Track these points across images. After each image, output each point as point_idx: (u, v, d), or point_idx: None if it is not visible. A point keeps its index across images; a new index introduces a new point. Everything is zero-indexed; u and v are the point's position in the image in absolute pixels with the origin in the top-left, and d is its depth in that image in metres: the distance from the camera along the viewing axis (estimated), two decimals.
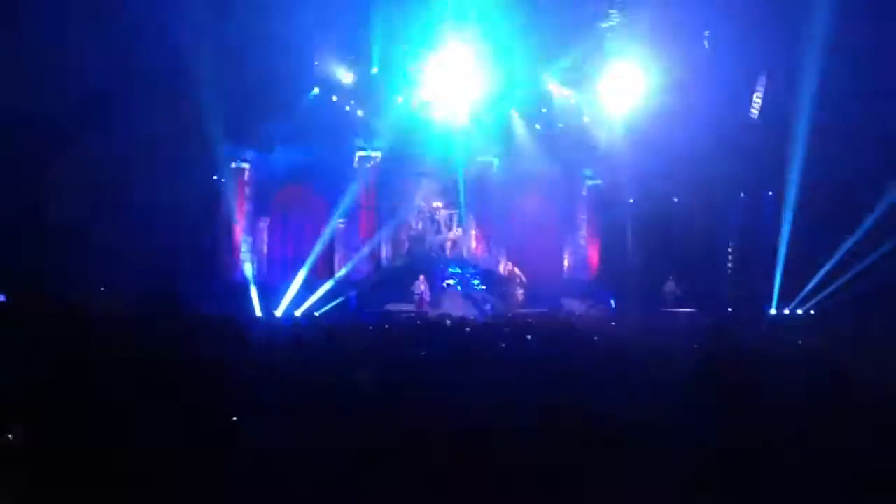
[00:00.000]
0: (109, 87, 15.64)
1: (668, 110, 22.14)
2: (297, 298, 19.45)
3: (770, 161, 21.02)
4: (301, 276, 20.21)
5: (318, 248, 21.95)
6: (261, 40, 18.07)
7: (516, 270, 22.36)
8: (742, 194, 22.81)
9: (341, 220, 23.01)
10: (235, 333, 6.96)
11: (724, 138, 21.57)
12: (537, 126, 24.20)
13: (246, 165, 22.15)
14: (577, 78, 22.46)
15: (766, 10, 18.34)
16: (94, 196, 15.57)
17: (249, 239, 22.15)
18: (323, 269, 21.61)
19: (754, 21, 18.69)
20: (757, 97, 21.39)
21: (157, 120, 17.22)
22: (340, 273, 21.72)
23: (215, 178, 20.07)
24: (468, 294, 21.85)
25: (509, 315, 18.57)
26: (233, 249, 21.49)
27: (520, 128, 24.04)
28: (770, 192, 21.48)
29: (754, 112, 21.69)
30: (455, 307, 20.01)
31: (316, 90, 20.69)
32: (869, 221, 17.98)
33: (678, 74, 21.06)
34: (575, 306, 21.50)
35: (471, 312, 19.53)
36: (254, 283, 20.34)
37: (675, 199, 23.90)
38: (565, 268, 24.76)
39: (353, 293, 20.42)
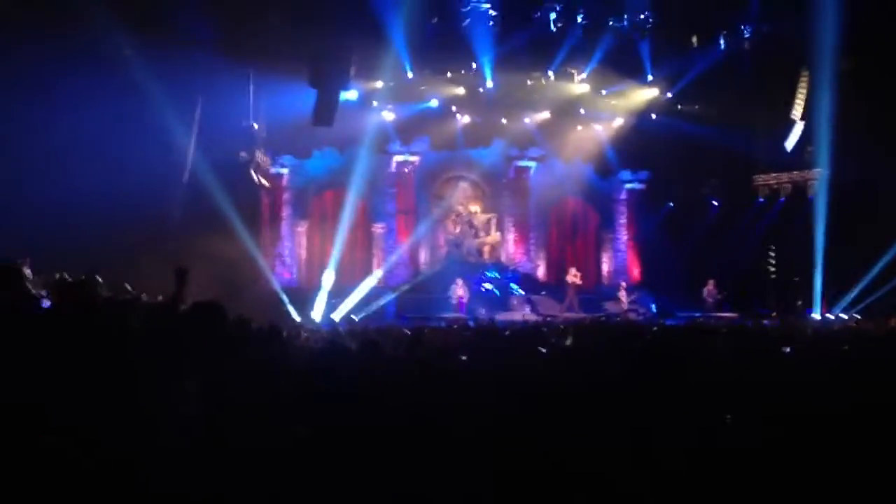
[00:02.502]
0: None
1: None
2: (334, 304, 19.56)
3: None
4: (339, 281, 20.33)
5: (356, 252, 22.12)
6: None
7: (574, 275, 22.17)
8: (782, 198, 22.62)
9: (379, 225, 23.15)
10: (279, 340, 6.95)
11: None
12: (579, 127, 24.17)
13: (284, 171, 22.32)
14: (612, 77, 22.26)
15: None
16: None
17: (288, 245, 22.34)
18: (361, 274, 21.69)
19: None
20: None
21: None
22: (378, 278, 21.76)
23: (256, 183, 20.19)
24: (506, 298, 21.79)
25: (547, 319, 18.45)
26: (272, 255, 21.66)
27: (557, 130, 24.02)
28: (810, 195, 21.28)
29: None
30: (493, 311, 19.97)
31: (354, 94, 20.76)
32: None
33: None
34: (615, 310, 21.38)
35: (511, 316, 19.50)
36: (292, 288, 20.49)
37: (715, 203, 23.81)
38: (605, 272, 24.58)
39: (391, 298, 20.45)
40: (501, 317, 19.41)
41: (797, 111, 21.38)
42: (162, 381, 4.00)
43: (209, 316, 4.89)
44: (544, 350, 8.65)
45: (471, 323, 15.54)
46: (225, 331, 5.07)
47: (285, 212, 22.46)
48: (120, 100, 15.42)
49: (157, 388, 3.91)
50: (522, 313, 20.63)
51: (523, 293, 22.17)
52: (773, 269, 22.65)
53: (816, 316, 19.49)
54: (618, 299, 21.87)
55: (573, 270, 22.36)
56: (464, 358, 7.35)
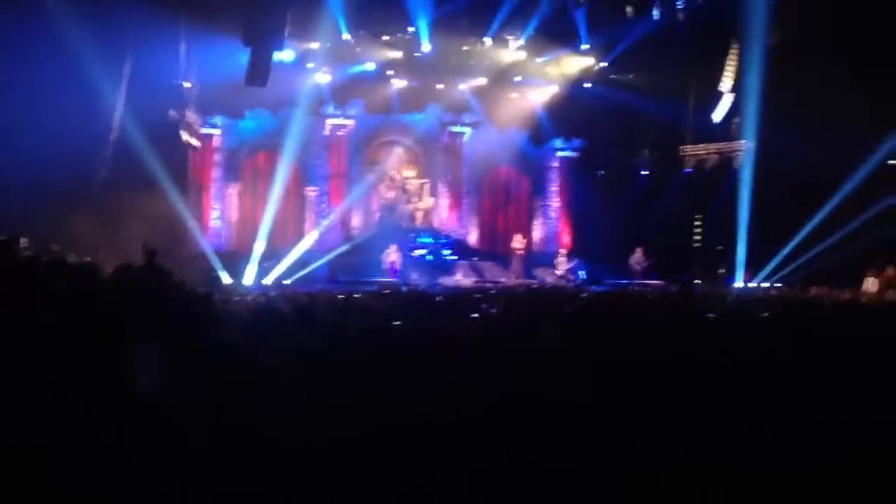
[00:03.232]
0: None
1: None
2: (265, 267, 19.39)
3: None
4: (270, 244, 20.14)
5: (288, 216, 21.92)
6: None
7: (519, 242, 22.40)
8: (708, 168, 23.13)
9: (312, 189, 22.95)
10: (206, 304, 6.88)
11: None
12: (513, 94, 24.29)
13: (216, 131, 21.90)
14: (547, 45, 22.38)
15: None
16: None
17: (218, 206, 22.00)
18: (293, 238, 21.51)
19: None
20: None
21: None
22: (311, 241, 21.61)
23: (186, 142, 19.79)
24: (438, 264, 21.89)
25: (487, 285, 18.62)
26: (202, 217, 21.30)
27: (492, 96, 24.09)
28: (735, 166, 21.80)
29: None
30: (424, 277, 20.06)
31: (289, 54, 20.42)
32: (836, 198, 18.28)
33: None
34: (547, 277, 21.66)
35: (449, 281, 19.66)
36: (222, 251, 20.24)
37: (645, 172, 24.24)
38: (536, 239, 24.85)
39: (323, 262, 20.35)
40: (441, 281, 19.57)
41: (726, 83, 21.80)
42: (92, 348, 3.95)
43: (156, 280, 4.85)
44: (476, 316, 8.77)
45: (403, 288, 15.61)
46: (165, 293, 5.04)
47: (216, 173, 22.03)
48: (45, 54, 14.94)
49: (91, 352, 3.85)
50: (456, 278, 20.79)
51: (456, 259, 22.29)
52: (698, 238, 23.18)
53: (739, 284, 20.08)
54: (554, 266, 22.15)
55: (518, 237, 22.61)
56: (396, 323, 7.41)
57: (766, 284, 19.34)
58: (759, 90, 19.48)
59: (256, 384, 4.04)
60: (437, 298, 12.26)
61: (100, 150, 17.14)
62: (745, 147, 21.35)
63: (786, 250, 19.01)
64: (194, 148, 20.86)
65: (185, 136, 19.71)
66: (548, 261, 22.78)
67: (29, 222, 10.64)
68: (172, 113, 19.32)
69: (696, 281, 19.91)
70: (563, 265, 22.01)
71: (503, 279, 20.86)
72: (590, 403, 4.00)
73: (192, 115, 20.03)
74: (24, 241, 8.60)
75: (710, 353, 5.67)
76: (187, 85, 19.65)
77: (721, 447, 3.62)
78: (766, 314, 9.49)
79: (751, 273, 20.21)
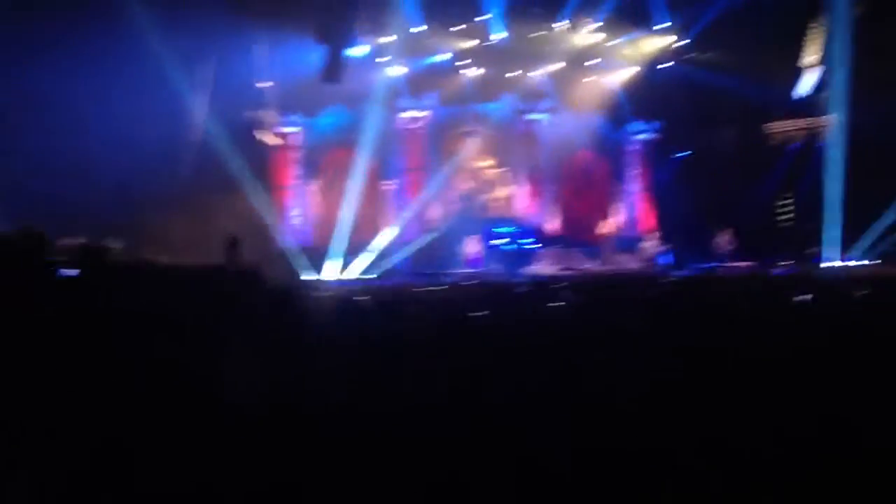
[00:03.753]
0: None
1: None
2: (347, 262, 19.62)
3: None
4: (351, 239, 20.34)
5: (368, 210, 22.08)
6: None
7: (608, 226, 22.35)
8: (797, 145, 22.42)
9: (389, 182, 23.06)
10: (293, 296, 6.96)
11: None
12: (588, 78, 23.96)
13: (294, 129, 22.20)
14: (623, 27, 22.00)
15: None
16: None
17: (299, 203, 22.32)
18: (373, 232, 21.68)
19: None
20: None
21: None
22: (391, 235, 21.74)
23: (266, 142, 20.16)
24: (519, 253, 21.77)
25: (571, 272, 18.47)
26: (284, 214, 21.66)
27: (568, 81, 23.81)
28: (823, 141, 21.09)
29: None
30: (505, 266, 19.99)
31: (363, 49, 20.58)
32: None
33: None
34: (630, 262, 21.36)
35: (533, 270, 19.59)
36: (304, 247, 20.54)
37: (729, 152, 23.61)
38: (618, 224, 24.48)
39: (404, 255, 20.47)
40: (523, 270, 19.49)
41: (811, 57, 21.08)
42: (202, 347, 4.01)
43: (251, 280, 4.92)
44: (557, 304, 8.66)
45: (484, 278, 15.58)
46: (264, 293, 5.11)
47: (295, 171, 22.36)
48: (125, 59, 15.35)
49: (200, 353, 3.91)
50: (538, 267, 20.64)
51: (537, 247, 22.13)
52: (787, 217, 22.49)
53: (831, 263, 19.42)
54: (638, 251, 21.86)
55: (607, 222, 22.50)
56: (481, 314, 7.36)
57: (861, 262, 18.65)
58: (846, 62, 18.77)
59: (337, 379, 4.04)
60: (519, 288, 12.19)
61: (183, 153, 17.55)
62: (833, 121, 20.59)
63: (879, 227, 18.29)
64: (273, 147, 21.19)
65: (263, 135, 20.04)
66: (632, 246, 22.44)
67: (116, 226, 10.94)
68: (251, 113, 19.67)
69: (787, 262, 19.35)
70: (649, 249, 21.66)
71: (586, 266, 20.63)
72: (666, 390, 3.88)
73: (270, 115, 20.35)
74: (115, 245, 8.83)
75: (800, 338, 5.44)
76: (265, 85, 19.96)
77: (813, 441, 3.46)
78: (862, 293, 9.11)
79: (844, 251, 19.51)
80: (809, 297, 8.26)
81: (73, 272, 6.21)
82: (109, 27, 14.88)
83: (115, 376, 3.61)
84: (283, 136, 21.87)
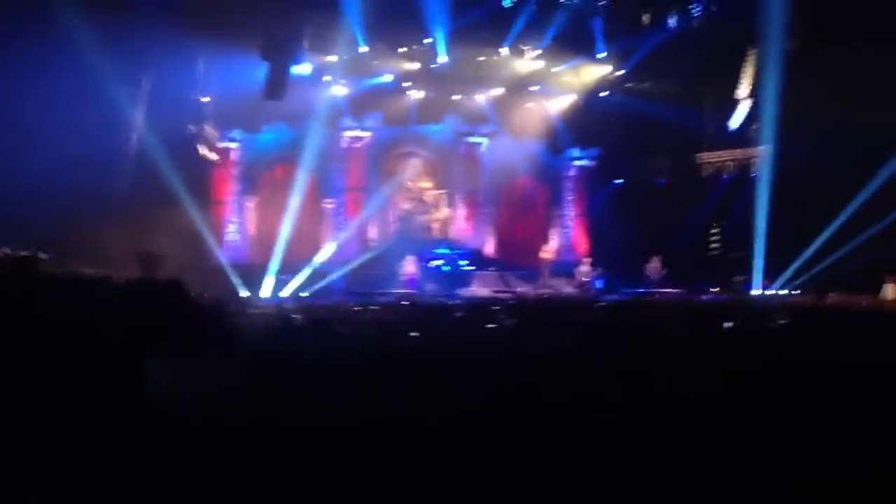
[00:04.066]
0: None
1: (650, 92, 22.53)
2: (283, 280, 19.49)
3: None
4: (288, 257, 20.22)
5: (306, 229, 21.98)
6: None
7: (546, 252, 22.66)
8: (726, 175, 23.04)
9: (330, 201, 23.02)
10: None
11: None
12: (530, 104, 24.30)
13: (234, 145, 22.04)
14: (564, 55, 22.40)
15: None
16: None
17: (237, 219, 22.13)
18: (310, 251, 21.59)
19: None
20: None
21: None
22: (328, 254, 21.68)
23: (205, 157, 19.95)
24: (455, 275, 21.91)
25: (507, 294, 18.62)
26: (220, 230, 21.44)
27: (509, 106, 24.10)
28: (753, 173, 21.70)
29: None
30: (441, 288, 20.09)
31: (306, 67, 20.57)
32: (854, 204, 18.12)
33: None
34: (564, 287, 21.60)
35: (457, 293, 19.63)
36: (240, 263, 20.34)
37: (662, 180, 24.12)
38: (550, 249, 24.75)
39: (340, 274, 20.41)
40: (459, 292, 19.61)
41: (743, 90, 21.73)
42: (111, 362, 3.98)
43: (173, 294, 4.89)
44: (492, 327, 8.77)
45: (420, 299, 15.64)
46: (189, 309, 5.08)
47: (234, 187, 22.19)
48: (65, 69, 15.10)
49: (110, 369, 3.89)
50: (473, 289, 20.74)
51: (473, 269, 22.29)
52: (716, 245, 23.06)
53: (757, 291, 19.95)
54: (573, 275, 22.13)
55: (546, 247, 22.91)
56: (413, 334, 7.42)
57: (785, 291, 19.20)
58: (777, 96, 19.36)
59: (269, 394, 4.07)
60: (456, 313, 12.29)
61: (119, 165, 17.28)
62: (763, 153, 21.22)
63: (804, 257, 18.86)
64: (212, 162, 21.00)
65: (203, 150, 19.85)
66: (566, 270, 22.73)
67: (49, 237, 10.72)
68: (191, 127, 19.47)
69: (715, 289, 19.83)
70: (582, 274, 21.96)
71: (523, 289, 20.81)
72: (599, 410, 4.00)
73: (210, 130, 20.18)
74: (42, 255, 8.65)
75: (725, 361, 5.64)
76: (206, 99, 19.79)
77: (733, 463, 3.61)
78: (783, 321, 9.43)
79: (769, 280, 20.07)
80: (732, 323, 8.53)
81: None
82: (47, 37, 14.64)
83: (32, 384, 3.58)
84: (223, 151, 21.69)
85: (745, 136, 22.35)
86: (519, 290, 20.65)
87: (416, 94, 23.12)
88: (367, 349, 5.92)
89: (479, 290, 20.70)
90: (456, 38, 21.01)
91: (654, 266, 21.59)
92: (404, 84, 22.70)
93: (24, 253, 7.90)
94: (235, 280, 18.69)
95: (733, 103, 22.06)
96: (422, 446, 3.59)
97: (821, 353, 5.98)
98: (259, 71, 19.38)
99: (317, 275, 20.04)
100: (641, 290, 20.36)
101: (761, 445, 3.76)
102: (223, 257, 20.07)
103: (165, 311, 5.12)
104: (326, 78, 21.60)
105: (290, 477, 3.31)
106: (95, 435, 3.33)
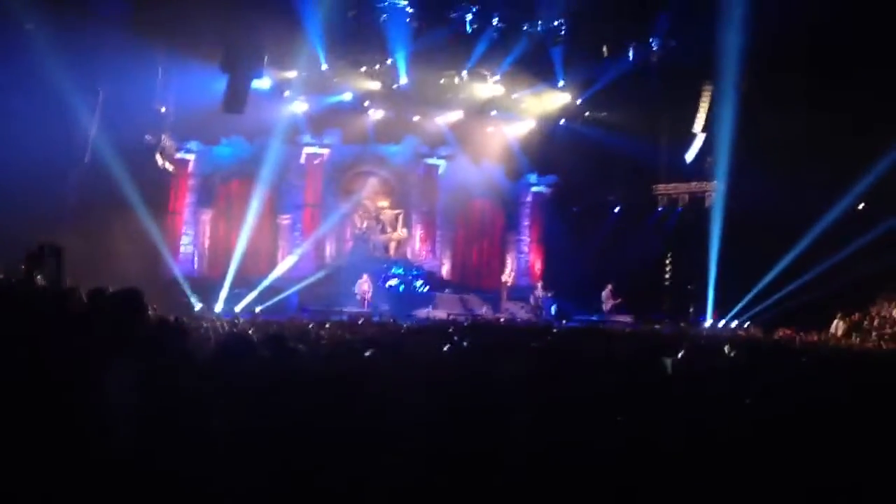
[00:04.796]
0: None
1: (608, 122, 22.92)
2: (237, 295, 19.32)
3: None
4: (242, 271, 20.08)
5: (261, 244, 21.84)
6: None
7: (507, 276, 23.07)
8: (680, 207, 23.40)
9: (286, 217, 22.92)
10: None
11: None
12: (489, 129, 24.49)
13: (191, 157, 21.85)
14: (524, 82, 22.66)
15: None
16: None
17: (191, 232, 21.91)
18: (265, 266, 21.45)
19: None
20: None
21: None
22: (283, 269, 21.56)
23: (161, 167, 19.73)
24: (410, 294, 21.91)
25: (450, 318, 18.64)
26: (175, 242, 21.19)
27: (469, 130, 24.25)
28: (706, 206, 22.07)
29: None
30: (396, 308, 20.08)
31: (266, 82, 20.52)
32: (805, 240, 18.50)
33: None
34: (517, 312, 21.68)
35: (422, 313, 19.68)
36: (193, 276, 20.12)
37: (617, 210, 24.42)
38: (508, 273, 24.93)
39: (294, 290, 20.30)
40: (414, 312, 19.61)
41: (699, 124, 22.15)
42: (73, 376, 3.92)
43: (129, 306, 4.81)
44: (446, 348, 8.79)
45: (375, 318, 15.61)
46: (143, 322, 5.00)
47: (189, 198, 21.98)
48: (19, 77, 14.86)
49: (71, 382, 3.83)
50: (429, 310, 20.73)
51: (427, 290, 22.30)
52: (668, 276, 23.38)
53: (707, 323, 20.25)
54: (527, 300, 22.26)
55: (502, 270, 23.17)
56: (366, 353, 7.40)
57: (734, 324, 19.51)
58: (731, 132, 19.76)
59: (217, 409, 4.03)
60: (404, 330, 12.29)
61: (73, 172, 17.01)
62: (716, 187, 21.61)
63: (754, 291, 19.18)
64: (169, 173, 20.79)
65: (160, 160, 19.65)
66: (520, 295, 22.87)
67: (0, 245, 10.49)
68: (148, 137, 19.27)
69: (666, 319, 20.07)
70: (536, 299, 22.10)
71: (477, 312, 20.87)
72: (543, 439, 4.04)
73: (167, 140, 19.99)
74: None
75: (674, 391, 5.72)
76: (163, 110, 19.62)
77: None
78: (731, 353, 9.58)
79: (719, 313, 20.39)
80: (680, 354, 8.63)
81: None
82: (2, 41, 14.42)
83: None
84: (180, 162, 21.49)
85: (700, 169, 22.74)
86: (473, 312, 20.70)
87: (375, 114, 23.17)
88: (324, 366, 5.90)
89: (433, 311, 20.68)
90: (417, 59, 21.16)
91: (607, 294, 21.81)
92: (364, 103, 22.77)
93: None
94: (189, 293, 18.49)
95: (689, 136, 22.45)
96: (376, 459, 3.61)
97: (763, 389, 6.09)
98: (219, 83, 19.28)
99: (271, 290, 19.90)
100: (594, 318, 20.54)
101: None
102: (177, 269, 19.84)
103: (123, 322, 5.04)
104: (286, 93, 21.58)
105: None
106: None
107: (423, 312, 20.05)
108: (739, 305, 19.67)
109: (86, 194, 17.05)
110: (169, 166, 20.53)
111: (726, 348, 10.29)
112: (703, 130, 22.08)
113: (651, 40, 21.35)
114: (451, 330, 12.21)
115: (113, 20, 16.88)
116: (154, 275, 18.70)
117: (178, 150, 21.21)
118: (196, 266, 21.69)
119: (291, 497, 3.44)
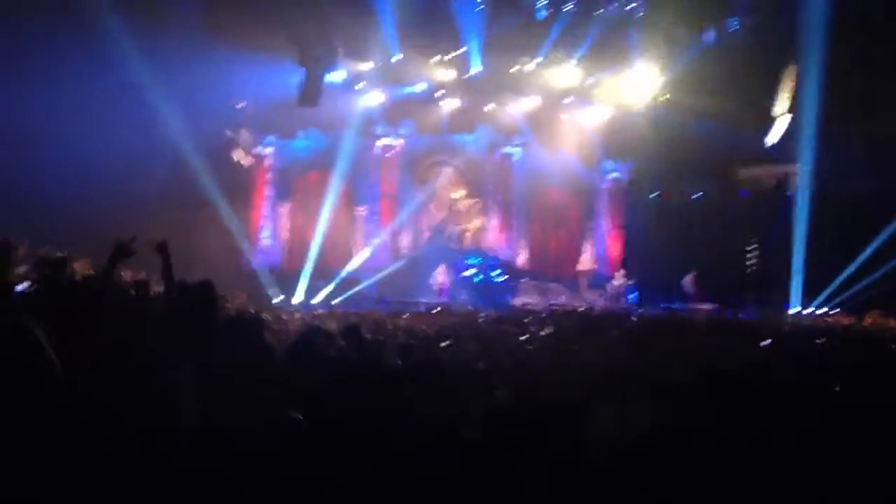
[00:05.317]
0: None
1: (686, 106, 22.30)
2: (315, 286, 19.55)
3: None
4: (320, 263, 20.30)
5: (338, 235, 22.04)
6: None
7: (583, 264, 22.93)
8: (765, 191, 22.74)
9: (362, 208, 23.07)
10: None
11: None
12: (564, 116, 24.18)
13: (268, 150, 22.18)
14: (599, 67, 22.30)
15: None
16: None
17: (270, 225, 22.25)
18: (343, 257, 21.64)
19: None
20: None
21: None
22: (360, 261, 21.72)
23: (240, 162, 20.10)
24: (487, 284, 21.80)
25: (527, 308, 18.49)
26: (254, 235, 21.58)
27: (543, 118, 23.99)
28: (790, 192, 21.41)
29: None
30: (473, 297, 20.02)
31: (341, 74, 20.68)
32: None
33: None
34: (598, 300, 21.43)
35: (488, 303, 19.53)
36: (273, 269, 20.42)
37: (698, 195, 23.86)
38: (587, 261, 24.58)
39: (372, 282, 20.45)
40: (493, 303, 19.52)
41: (782, 105, 21.46)
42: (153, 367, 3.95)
43: (203, 297, 4.84)
44: (524, 338, 8.69)
45: (452, 309, 15.58)
46: (217, 313, 5.03)
47: (267, 192, 22.33)
48: (101, 72, 15.26)
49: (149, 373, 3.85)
50: (509, 300, 20.61)
51: (505, 280, 22.17)
52: (753, 262, 22.75)
53: (794, 310, 19.63)
54: (606, 289, 22.00)
55: (582, 259, 23.05)
56: (443, 344, 7.37)
57: (823, 311, 18.85)
58: (816, 112, 19.09)
59: (298, 403, 4.02)
60: (481, 320, 12.22)
61: (155, 169, 17.43)
62: (801, 169, 20.91)
63: (843, 276, 18.52)
64: (247, 167, 21.15)
65: (237, 155, 19.99)
66: (600, 283, 22.60)
67: (84, 241, 10.76)
68: (228, 132, 19.62)
69: (751, 306, 19.54)
70: (616, 287, 21.79)
71: (556, 301, 20.67)
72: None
73: (245, 135, 20.32)
74: (60, 254, 8.61)
75: (761, 379, 5.51)
76: (241, 104, 19.94)
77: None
78: (821, 341, 9.25)
79: (807, 299, 19.74)
80: (769, 342, 8.37)
81: (25, 287, 6.04)
82: (83, 37, 14.80)
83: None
84: (258, 156, 21.84)
85: (783, 151, 22.02)
86: (553, 302, 20.49)
87: (449, 103, 23.10)
88: (399, 357, 5.87)
89: (512, 301, 20.55)
90: (490, 47, 21.02)
91: (688, 281, 21.35)
92: (437, 93, 22.72)
93: (61, 255, 7.91)
94: (269, 285, 18.79)
95: (772, 118, 21.77)
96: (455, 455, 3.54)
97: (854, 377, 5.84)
98: (294, 77, 19.50)
99: (349, 282, 20.08)
100: (676, 306, 20.13)
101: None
102: (257, 262, 20.20)
103: (195, 315, 5.05)
104: (360, 85, 21.70)
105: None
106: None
107: (499, 302, 19.93)
108: (827, 291, 19.01)
109: (168, 190, 17.46)
110: (247, 161, 20.88)
111: (816, 335, 9.96)
112: (787, 112, 21.38)
113: (731, 19, 20.76)
114: (527, 320, 12.12)
115: (191, 17, 17.21)
116: (236, 268, 19.08)
117: (256, 144, 21.55)
118: (276, 258, 22.01)
119: (370, 487, 3.40)
